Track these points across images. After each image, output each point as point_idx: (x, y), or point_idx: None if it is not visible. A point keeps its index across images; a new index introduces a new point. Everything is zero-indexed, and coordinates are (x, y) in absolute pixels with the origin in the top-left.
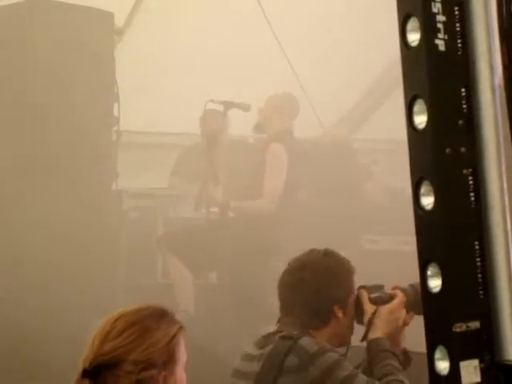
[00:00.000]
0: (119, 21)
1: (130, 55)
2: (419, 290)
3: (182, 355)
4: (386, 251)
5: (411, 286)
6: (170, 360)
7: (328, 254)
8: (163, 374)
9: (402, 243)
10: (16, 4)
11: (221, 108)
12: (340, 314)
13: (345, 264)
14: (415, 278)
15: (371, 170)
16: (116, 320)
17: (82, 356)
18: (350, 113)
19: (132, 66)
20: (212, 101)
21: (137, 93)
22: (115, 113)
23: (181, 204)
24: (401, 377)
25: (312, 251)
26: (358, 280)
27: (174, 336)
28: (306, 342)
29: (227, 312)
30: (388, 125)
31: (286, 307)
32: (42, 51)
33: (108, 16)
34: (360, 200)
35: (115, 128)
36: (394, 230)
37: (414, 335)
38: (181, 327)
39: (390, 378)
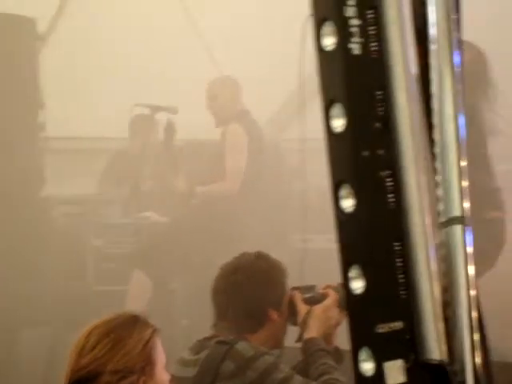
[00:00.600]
0: (42, 26)
1: (55, 61)
2: None
3: (160, 356)
4: (317, 250)
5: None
6: (147, 364)
7: (260, 257)
8: (143, 378)
9: (333, 242)
10: None
11: (147, 112)
12: (275, 317)
13: (277, 266)
14: None
15: (301, 169)
16: (89, 334)
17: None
18: (278, 113)
19: (57, 71)
20: (138, 105)
21: (62, 98)
22: (41, 119)
23: (111, 209)
24: (336, 375)
25: (243, 254)
26: (291, 280)
27: (148, 340)
28: (241, 346)
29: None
30: (315, 124)
31: (221, 312)
32: None
33: (30, 22)
34: (291, 200)
35: (41, 134)
36: (324, 229)
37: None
38: (155, 330)
39: (326, 376)
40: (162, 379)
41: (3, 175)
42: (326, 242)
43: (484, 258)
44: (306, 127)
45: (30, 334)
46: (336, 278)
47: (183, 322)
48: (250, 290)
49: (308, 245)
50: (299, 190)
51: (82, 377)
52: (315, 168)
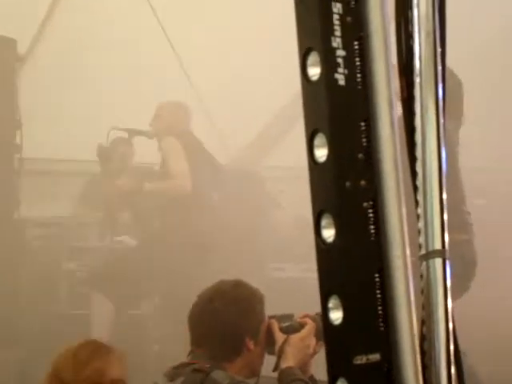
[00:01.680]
0: (22, 48)
1: (33, 82)
2: None
3: None
4: (292, 279)
5: (318, 314)
6: None
7: (238, 285)
8: None
9: (308, 271)
10: None
11: (125, 135)
12: (251, 346)
13: (255, 294)
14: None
15: (278, 198)
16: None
17: None
18: (258, 138)
19: (35, 92)
20: (115, 128)
21: (40, 120)
22: (17, 140)
23: (85, 232)
24: None
25: (221, 282)
26: (267, 308)
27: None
28: (217, 375)
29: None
30: (296, 152)
31: (198, 339)
32: None
33: (11, 43)
34: (268, 228)
35: (17, 155)
36: (300, 258)
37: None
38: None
39: None
40: None
41: None
42: (302, 271)
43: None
44: (284, 155)
45: (2, 355)
46: (310, 307)
47: (155, 347)
48: (228, 318)
49: (283, 274)
50: (276, 218)
51: None
52: (292, 197)
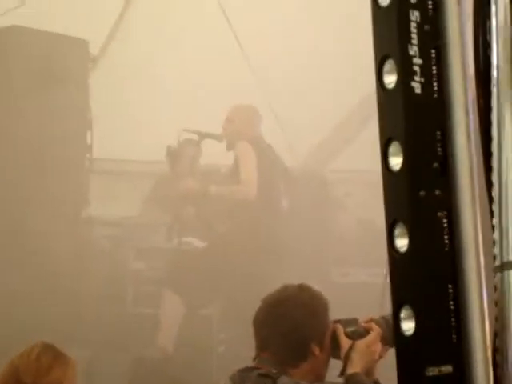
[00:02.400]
0: (94, 49)
1: (104, 83)
2: (391, 322)
3: None
4: (357, 284)
5: (383, 318)
6: None
7: (303, 289)
8: None
9: (373, 275)
10: None
11: (195, 137)
12: (317, 351)
13: (320, 299)
14: (386, 310)
15: (344, 202)
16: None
17: None
18: (324, 142)
19: (106, 93)
20: (186, 130)
21: (110, 120)
22: (88, 140)
23: (153, 233)
24: None
25: (287, 287)
26: (331, 313)
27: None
28: (283, 380)
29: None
30: (362, 156)
31: (263, 343)
32: (17, 77)
33: (83, 44)
34: (333, 232)
35: (88, 155)
36: (365, 263)
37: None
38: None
39: None
40: None
41: (48, 193)
42: (367, 275)
43: None
44: (351, 159)
45: (69, 354)
46: (374, 312)
47: (219, 348)
48: (293, 323)
49: (348, 278)
50: (342, 222)
51: None
52: (358, 200)
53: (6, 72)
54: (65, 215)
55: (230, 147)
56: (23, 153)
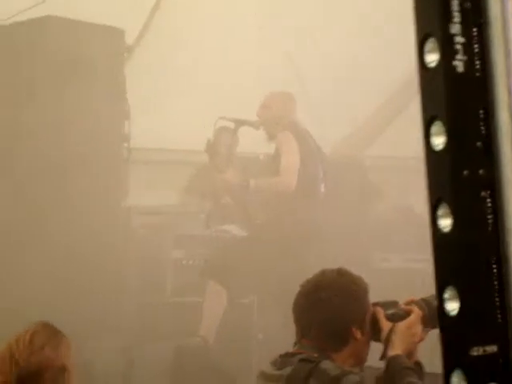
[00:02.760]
0: (130, 38)
1: (140, 72)
2: (432, 304)
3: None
4: (397, 269)
5: (423, 300)
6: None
7: (342, 274)
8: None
9: (413, 261)
10: (30, 21)
11: (231, 125)
12: (358, 335)
13: (360, 283)
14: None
15: (380, 188)
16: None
17: None
18: (361, 129)
19: (142, 83)
20: (223, 118)
21: (147, 110)
22: (125, 130)
23: (191, 221)
24: None
25: (324, 272)
26: (373, 298)
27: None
28: (326, 365)
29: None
30: (399, 142)
31: (304, 329)
32: (54, 68)
33: (119, 33)
34: (370, 218)
35: (125, 145)
36: (405, 248)
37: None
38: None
39: None
40: None
41: (88, 184)
42: (406, 261)
43: None
44: (387, 145)
45: (109, 343)
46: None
47: (259, 335)
48: (334, 308)
49: (388, 264)
50: (380, 208)
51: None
52: (396, 186)
53: (42, 63)
54: (104, 205)
55: (268, 135)
56: (62, 143)
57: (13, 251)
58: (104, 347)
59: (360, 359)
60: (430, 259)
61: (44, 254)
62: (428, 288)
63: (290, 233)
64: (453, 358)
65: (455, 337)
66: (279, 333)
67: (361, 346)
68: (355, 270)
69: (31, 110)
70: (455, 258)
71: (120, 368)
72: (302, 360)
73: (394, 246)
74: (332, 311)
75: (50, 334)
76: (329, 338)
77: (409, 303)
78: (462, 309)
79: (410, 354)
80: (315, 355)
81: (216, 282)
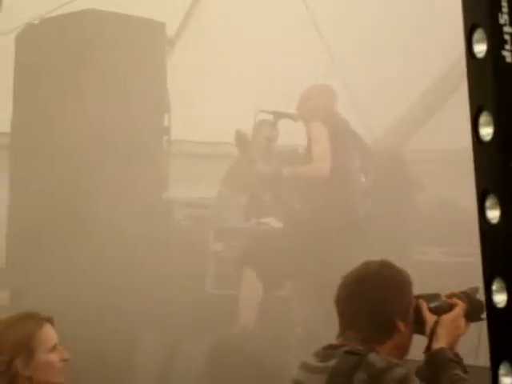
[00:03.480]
0: (170, 31)
1: (181, 65)
2: (472, 297)
3: (44, 342)
4: (437, 262)
5: (464, 293)
6: (22, 349)
7: (386, 266)
8: (17, 359)
9: (452, 254)
10: (73, 14)
11: (271, 118)
12: (402, 327)
13: (403, 274)
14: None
15: (422, 180)
16: None
17: None
18: (402, 121)
19: (182, 76)
20: (263, 111)
21: (187, 103)
22: (166, 123)
23: (231, 214)
24: None
25: (368, 263)
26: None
27: (26, 331)
28: (372, 357)
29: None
30: (440, 135)
31: (347, 321)
32: (97, 61)
33: (160, 26)
34: (412, 211)
35: (166, 138)
36: (444, 241)
37: None
38: (40, 322)
39: None
40: (47, 360)
41: (129, 176)
42: (445, 255)
43: None
44: (427, 138)
45: (152, 336)
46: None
47: (297, 329)
48: (378, 300)
49: (427, 257)
50: (421, 201)
51: None
52: (436, 180)
53: (86, 55)
54: (146, 198)
55: (306, 127)
56: (103, 136)
57: (56, 246)
58: (147, 338)
59: (403, 352)
60: (470, 253)
61: (87, 249)
62: (468, 282)
63: (327, 223)
64: (500, 350)
65: (503, 329)
66: (319, 326)
67: (404, 338)
68: (395, 261)
69: (76, 103)
70: (503, 250)
71: (162, 359)
72: (347, 352)
73: (435, 239)
74: (377, 303)
75: (32, 316)
76: (373, 329)
77: (450, 296)
78: (509, 301)
79: (451, 347)
80: (360, 347)
81: (251, 272)
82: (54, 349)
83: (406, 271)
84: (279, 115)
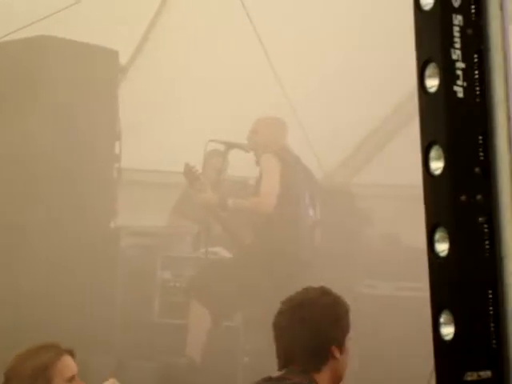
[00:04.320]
0: (123, 59)
1: (133, 94)
2: None
3: (61, 373)
4: (383, 296)
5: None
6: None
7: (325, 293)
8: None
9: (399, 289)
10: (26, 40)
11: (222, 148)
12: (337, 354)
13: (341, 302)
14: (412, 324)
15: (370, 215)
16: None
17: None
18: (352, 156)
19: (134, 104)
20: (213, 141)
21: (138, 131)
22: (116, 150)
23: (180, 243)
24: None
25: (307, 290)
26: (357, 323)
27: (44, 362)
28: None
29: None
30: (387, 169)
31: (286, 350)
32: (47, 87)
33: (113, 54)
34: (359, 245)
35: (117, 165)
36: (391, 276)
37: None
38: (57, 353)
39: None
40: None
41: (77, 203)
42: (393, 289)
43: None
44: (377, 173)
45: (96, 363)
46: (401, 325)
47: (245, 359)
48: (316, 327)
49: (374, 291)
50: (368, 235)
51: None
52: (384, 214)
53: (36, 82)
54: (94, 225)
55: (256, 159)
56: (52, 162)
57: (1, 269)
58: (92, 363)
59: (339, 378)
60: (416, 287)
61: (32, 272)
62: (414, 315)
63: (274, 255)
64: (447, 382)
65: (450, 361)
66: (265, 357)
67: (339, 365)
68: (342, 294)
69: (25, 129)
70: (451, 283)
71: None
72: None
73: (382, 274)
74: (315, 329)
75: (51, 347)
76: (310, 357)
77: None
78: (457, 333)
79: None
80: (305, 381)
81: (198, 303)
82: (71, 379)
83: (343, 299)
84: (230, 145)
